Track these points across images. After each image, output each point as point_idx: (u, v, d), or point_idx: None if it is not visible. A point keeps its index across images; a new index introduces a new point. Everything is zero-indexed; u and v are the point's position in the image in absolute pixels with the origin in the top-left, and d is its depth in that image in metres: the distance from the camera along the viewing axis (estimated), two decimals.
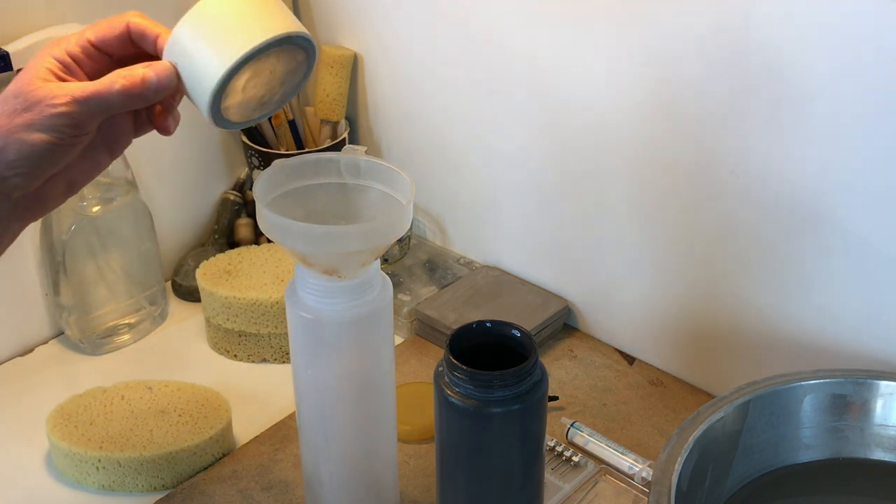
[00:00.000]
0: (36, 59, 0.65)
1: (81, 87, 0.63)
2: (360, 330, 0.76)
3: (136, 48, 0.68)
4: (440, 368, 0.75)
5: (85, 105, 0.63)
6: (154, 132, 0.70)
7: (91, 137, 0.66)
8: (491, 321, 0.76)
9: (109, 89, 0.63)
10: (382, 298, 0.77)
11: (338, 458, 0.81)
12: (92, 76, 0.67)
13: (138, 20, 0.68)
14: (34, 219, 0.68)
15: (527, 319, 1.04)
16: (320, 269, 0.73)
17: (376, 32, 1.14)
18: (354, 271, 0.74)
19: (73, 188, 0.69)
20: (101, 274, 1.06)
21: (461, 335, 0.75)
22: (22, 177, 0.63)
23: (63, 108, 0.62)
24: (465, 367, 0.72)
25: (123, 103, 0.64)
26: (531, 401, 0.73)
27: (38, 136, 0.62)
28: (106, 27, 0.67)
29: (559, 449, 0.91)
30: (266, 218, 0.72)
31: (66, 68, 0.65)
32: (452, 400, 0.73)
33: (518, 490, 0.76)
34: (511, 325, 0.76)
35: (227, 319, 1.04)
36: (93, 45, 0.67)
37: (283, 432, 0.95)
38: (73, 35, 0.67)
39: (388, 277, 0.78)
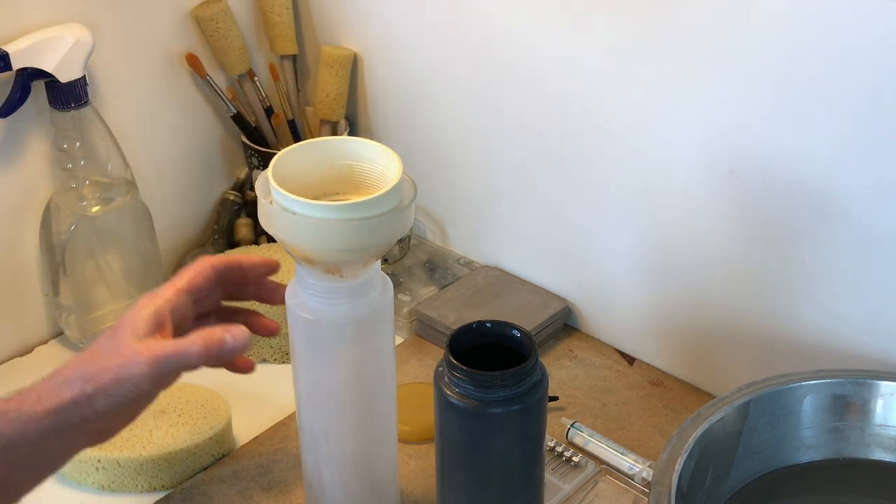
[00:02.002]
0: (131, 314, 0.72)
1: (163, 347, 0.69)
2: (361, 331, 0.76)
3: (231, 284, 0.77)
4: (440, 368, 0.75)
5: (164, 365, 0.69)
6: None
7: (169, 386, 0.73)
8: (491, 321, 0.76)
9: (187, 351, 0.70)
10: (383, 299, 0.77)
11: (338, 459, 0.81)
12: (181, 322, 0.74)
13: (221, 263, 0.76)
14: (98, 444, 0.73)
15: (527, 319, 1.04)
16: (322, 268, 0.73)
17: (376, 32, 1.14)
18: (356, 271, 0.74)
19: (135, 417, 0.75)
20: (100, 274, 1.06)
21: (461, 335, 0.75)
22: (107, 420, 0.70)
23: (144, 368, 0.69)
24: (464, 367, 0.72)
25: (200, 362, 0.71)
26: (531, 401, 0.73)
27: (123, 391, 0.69)
28: (194, 276, 0.75)
29: (559, 449, 0.91)
30: (267, 209, 0.71)
31: (157, 321, 0.72)
32: (452, 400, 0.73)
33: (518, 490, 0.76)
34: (511, 326, 0.76)
35: None
36: (185, 292, 0.74)
37: (282, 432, 0.95)
38: (167, 289, 0.74)
39: (388, 278, 0.78)
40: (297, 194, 0.70)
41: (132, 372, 0.69)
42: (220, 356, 0.70)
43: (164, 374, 0.70)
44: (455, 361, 0.72)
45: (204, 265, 0.76)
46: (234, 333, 0.70)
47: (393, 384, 0.81)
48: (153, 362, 0.69)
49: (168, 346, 0.69)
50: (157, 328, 0.71)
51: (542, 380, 0.74)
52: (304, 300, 0.75)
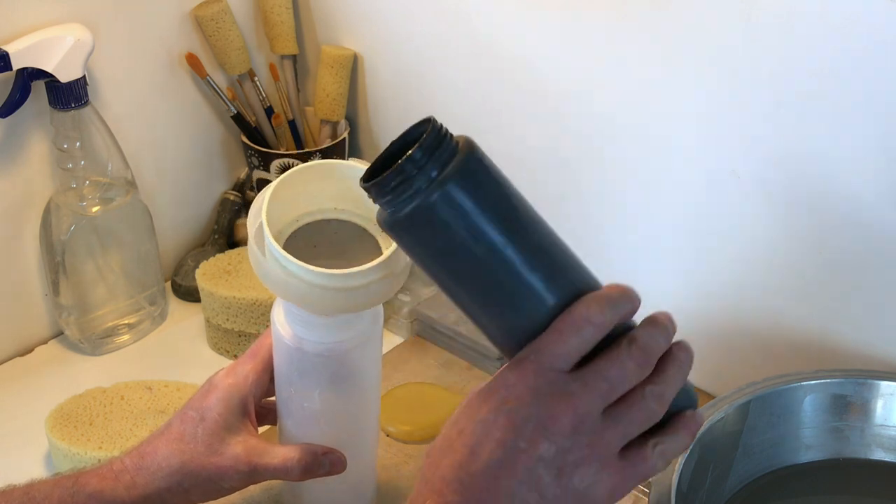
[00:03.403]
0: (216, 401, 0.74)
1: (264, 461, 0.72)
2: (344, 363, 0.74)
3: None
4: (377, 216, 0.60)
5: (262, 477, 0.73)
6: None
7: None
8: (399, 138, 0.59)
9: (287, 471, 0.73)
10: (372, 328, 0.74)
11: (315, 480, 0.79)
12: (261, 400, 0.77)
13: None
14: None
15: None
16: (307, 310, 0.71)
17: (376, 32, 1.13)
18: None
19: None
20: (100, 274, 1.06)
21: (376, 166, 0.59)
22: (202, 492, 0.74)
23: (244, 476, 0.73)
24: (369, 181, 0.57)
25: (295, 480, 0.74)
26: (459, 172, 0.56)
27: (217, 489, 0.73)
28: (269, 352, 0.76)
29: None
30: (254, 254, 0.70)
31: (245, 410, 0.75)
32: (395, 220, 0.58)
33: (505, 283, 0.59)
34: (418, 125, 0.60)
35: (227, 319, 1.04)
36: (264, 372, 0.76)
37: None
38: (246, 368, 0.76)
39: (380, 306, 0.75)
40: (296, 211, 0.69)
41: (231, 477, 0.73)
42: (314, 477, 0.74)
43: (258, 481, 0.74)
44: (367, 184, 0.58)
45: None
46: (332, 461, 0.74)
47: (376, 411, 0.79)
48: (252, 473, 0.73)
49: (270, 461, 0.72)
50: (245, 416, 0.74)
51: (458, 150, 0.57)
52: (289, 325, 0.73)
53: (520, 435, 0.55)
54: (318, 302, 0.68)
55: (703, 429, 0.75)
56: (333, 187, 0.72)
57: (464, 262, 0.58)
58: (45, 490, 0.72)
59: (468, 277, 0.59)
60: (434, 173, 0.56)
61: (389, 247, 0.69)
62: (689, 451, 0.73)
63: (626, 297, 0.60)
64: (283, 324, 0.73)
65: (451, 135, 0.59)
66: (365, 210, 0.72)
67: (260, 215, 0.69)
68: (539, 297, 0.58)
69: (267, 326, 1.03)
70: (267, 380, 0.77)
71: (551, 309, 0.58)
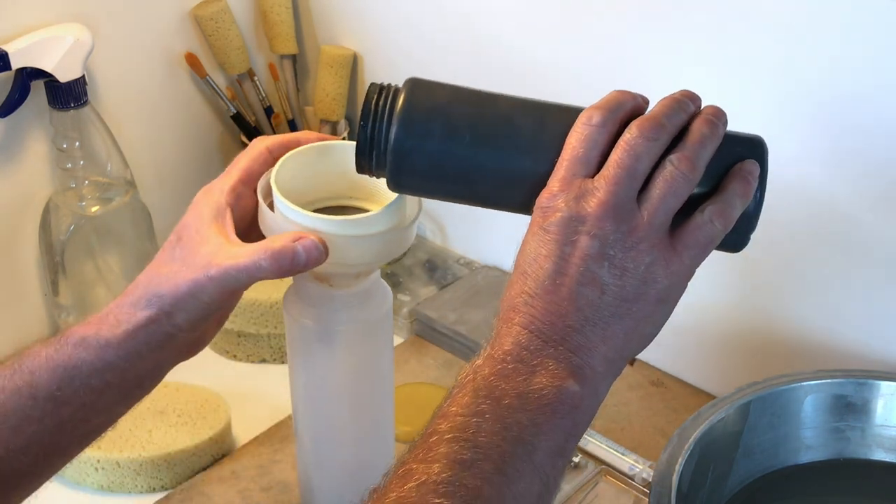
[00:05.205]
0: (193, 218, 0.70)
1: (234, 261, 0.66)
2: (357, 339, 0.75)
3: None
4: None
5: (234, 279, 0.66)
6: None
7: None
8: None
9: (258, 266, 0.65)
10: (380, 308, 0.75)
11: (331, 469, 0.79)
12: (245, 215, 0.71)
13: (273, 143, 0.72)
14: (192, 356, 0.72)
15: None
16: (311, 276, 0.72)
17: (376, 32, 1.13)
18: (347, 282, 0.72)
19: (224, 320, 0.75)
20: (99, 274, 1.06)
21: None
22: (192, 332, 0.69)
23: (216, 282, 0.66)
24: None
25: (272, 276, 0.67)
26: (401, 116, 0.63)
27: (199, 304, 0.67)
28: (249, 163, 0.71)
29: None
30: (262, 209, 0.70)
31: (220, 221, 0.69)
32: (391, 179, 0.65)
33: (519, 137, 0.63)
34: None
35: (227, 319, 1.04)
36: (241, 183, 0.71)
37: (282, 433, 0.95)
38: (223, 182, 0.71)
39: (387, 286, 0.76)
40: (310, 196, 0.69)
41: (205, 287, 0.66)
42: (291, 270, 0.66)
43: (235, 287, 0.67)
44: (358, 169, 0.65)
45: (259, 149, 0.72)
46: (305, 245, 0.66)
47: (390, 393, 0.79)
48: (225, 278, 0.66)
49: (240, 259, 0.66)
50: (218, 222, 0.69)
51: (400, 99, 0.63)
52: (301, 305, 0.74)
53: (563, 242, 0.58)
54: (330, 253, 0.67)
55: (703, 429, 0.75)
56: (345, 173, 0.72)
57: (466, 170, 0.63)
58: (34, 351, 0.68)
59: (479, 178, 0.64)
60: (383, 130, 0.62)
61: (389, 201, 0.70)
62: (689, 451, 0.73)
63: (624, 96, 0.61)
64: (294, 306, 0.74)
65: (391, 88, 0.64)
66: (381, 196, 0.73)
67: (270, 184, 0.69)
68: (536, 154, 0.62)
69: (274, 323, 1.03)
70: (245, 188, 0.71)
71: (556, 150, 0.61)
